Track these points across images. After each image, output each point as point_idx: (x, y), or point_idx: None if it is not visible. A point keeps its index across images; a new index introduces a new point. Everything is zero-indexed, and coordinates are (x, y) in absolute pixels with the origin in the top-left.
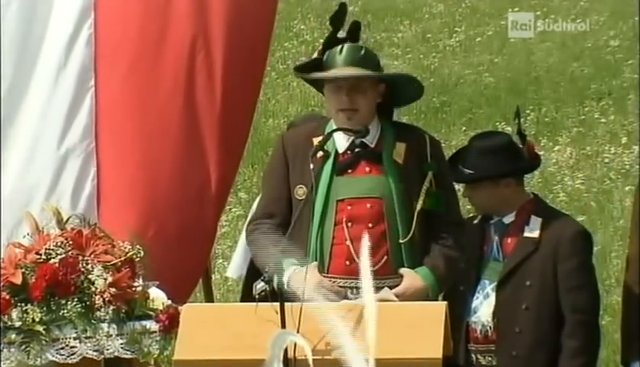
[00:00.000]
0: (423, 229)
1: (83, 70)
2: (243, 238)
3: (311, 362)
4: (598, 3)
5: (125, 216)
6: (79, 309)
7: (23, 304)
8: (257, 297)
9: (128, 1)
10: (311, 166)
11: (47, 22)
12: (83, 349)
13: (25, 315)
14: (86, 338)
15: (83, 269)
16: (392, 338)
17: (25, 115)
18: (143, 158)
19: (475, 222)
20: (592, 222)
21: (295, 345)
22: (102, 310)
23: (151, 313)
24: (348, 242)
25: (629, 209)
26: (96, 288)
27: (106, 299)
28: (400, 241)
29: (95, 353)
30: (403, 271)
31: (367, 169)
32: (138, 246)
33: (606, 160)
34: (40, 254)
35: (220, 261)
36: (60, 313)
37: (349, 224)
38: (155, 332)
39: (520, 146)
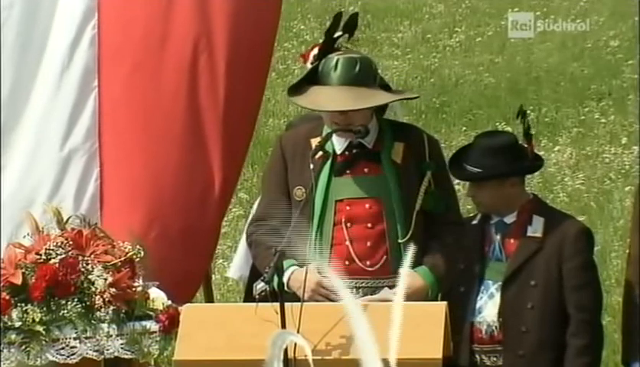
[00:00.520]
0: (423, 229)
1: (86, 71)
2: (243, 239)
3: (311, 362)
4: (598, 3)
5: (128, 217)
6: (79, 309)
7: (23, 304)
8: (257, 297)
9: (132, 2)
10: (311, 166)
11: (51, 23)
12: (83, 350)
13: (25, 315)
14: (86, 338)
15: (83, 269)
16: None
17: (29, 116)
18: (146, 159)
19: (475, 222)
20: (592, 223)
21: (295, 345)
22: (102, 310)
23: (151, 313)
24: (348, 243)
25: (629, 209)
26: (96, 288)
27: (106, 299)
28: (400, 241)
29: (95, 353)
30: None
31: (366, 169)
32: (138, 246)
33: (606, 161)
34: (41, 255)
35: (220, 261)
36: (60, 314)
37: (348, 224)
38: (155, 332)
39: (526, 146)
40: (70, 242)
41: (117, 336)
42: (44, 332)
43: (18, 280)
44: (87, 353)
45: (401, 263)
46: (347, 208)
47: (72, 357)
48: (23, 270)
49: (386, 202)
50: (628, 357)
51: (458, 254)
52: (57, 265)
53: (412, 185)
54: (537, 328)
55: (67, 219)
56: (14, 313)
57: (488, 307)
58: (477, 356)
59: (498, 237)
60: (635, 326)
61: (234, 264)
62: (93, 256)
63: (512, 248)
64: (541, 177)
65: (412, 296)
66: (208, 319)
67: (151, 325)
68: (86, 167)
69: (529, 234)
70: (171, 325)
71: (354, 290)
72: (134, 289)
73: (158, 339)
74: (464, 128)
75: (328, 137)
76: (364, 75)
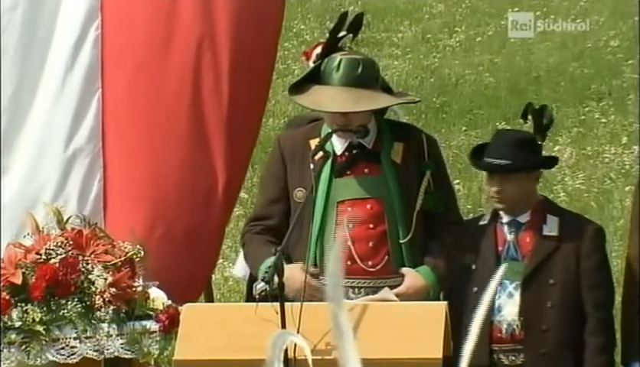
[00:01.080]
0: (422, 228)
1: (90, 72)
2: None
3: (311, 362)
4: (598, 3)
5: (131, 217)
6: (79, 309)
7: (23, 304)
8: (257, 297)
9: (135, 2)
10: (312, 166)
11: (54, 24)
12: (83, 349)
13: (25, 315)
14: (86, 338)
15: (83, 269)
16: (392, 338)
17: (33, 117)
18: (149, 159)
19: (484, 222)
20: None
21: (295, 345)
22: (103, 310)
23: (151, 313)
24: (349, 243)
25: (629, 209)
26: (96, 288)
27: (106, 299)
28: (401, 241)
29: (95, 353)
30: (404, 270)
31: (366, 170)
32: (138, 246)
33: (606, 161)
34: (41, 255)
35: (221, 261)
36: (60, 313)
37: (350, 225)
38: (155, 332)
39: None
40: (70, 242)
41: (117, 335)
42: (44, 332)
43: (18, 280)
44: (87, 353)
45: (402, 263)
46: (349, 209)
47: (72, 357)
48: (23, 270)
49: (387, 203)
50: (628, 357)
51: (458, 254)
52: (57, 265)
53: (412, 185)
54: (556, 326)
55: (67, 219)
56: (15, 313)
57: (508, 307)
58: (494, 356)
59: (512, 236)
60: (635, 326)
61: (239, 262)
62: (93, 256)
63: (528, 247)
64: (541, 176)
65: (413, 296)
66: (208, 319)
67: (152, 325)
68: (90, 167)
69: (545, 233)
70: (171, 325)
71: (356, 289)
72: (134, 289)
73: (158, 338)
74: (464, 128)
75: (328, 137)
76: (366, 76)
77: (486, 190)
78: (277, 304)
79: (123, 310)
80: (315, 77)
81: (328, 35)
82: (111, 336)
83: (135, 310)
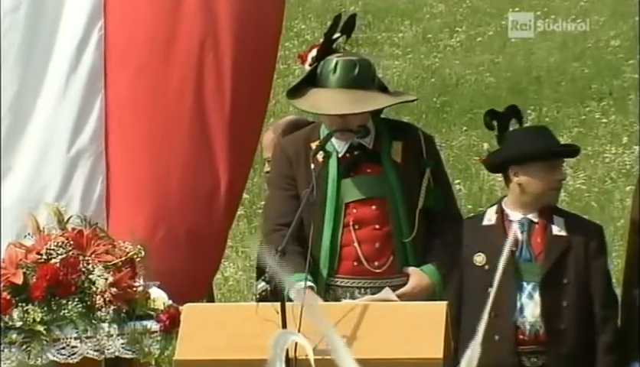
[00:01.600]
0: (423, 226)
1: (93, 73)
2: None
3: (312, 361)
4: (598, 3)
5: (134, 218)
6: (80, 309)
7: (24, 304)
8: (258, 296)
9: (137, 2)
10: (312, 166)
11: (57, 25)
12: (84, 349)
13: (26, 315)
14: (87, 338)
15: (83, 269)
16: (392, 338)
17: (36, 118)
18: (152, 160)
19: (491, 222)
20: None
21: (296, 345)
22: (103, 309)
23: (152, 313)
24: (356, 244)
25: (630, 209)
26: (97, 288)
27: (107, 299)
28: (405, 240)
29: (96, 353)
30: (409, 269)
31: (369, 170)
32: (139, 246)
33: (607, 160)
34: (41, 254)
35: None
36: (61, 313)
37: (356, 226)
38: (156, 332)
39: None
40: (71, 242)
41: (118, 335)
42: (44, 332)
43: (19, 280)
44: (88, 353)
45: (406, 262)
46: (355, 210)
47: (73, 357)
48: (24, 270)
49: (390, 202)
50: (628, 357)
51: (459, 251)
52: (57, 265)
53: (413, 183)
54: (573, 326)
55: (68, 219)
56: (15, 313)
57: (530, 308)
58: (516, 357)
59: (524, 236)
60: (634, 326)
61: None
62: (93, 256)
63: (539, 247)
64: None
65: (419, 295)
66: (209, 318)
67: (152, 325)
68: (93, 168)
69: (555, 233)
70: (171, 325)
71: (362, 289)
72: (135, 289)
73: (158, 338)
74: (464, 128)
75: (328, 137)
76: (362, 77)
77: (535, 185)
78: (278, 304)
79: (124, 310)
80: (312, 80)
81: (323, 36)
82: (112, 335)
83: (135, 310)
